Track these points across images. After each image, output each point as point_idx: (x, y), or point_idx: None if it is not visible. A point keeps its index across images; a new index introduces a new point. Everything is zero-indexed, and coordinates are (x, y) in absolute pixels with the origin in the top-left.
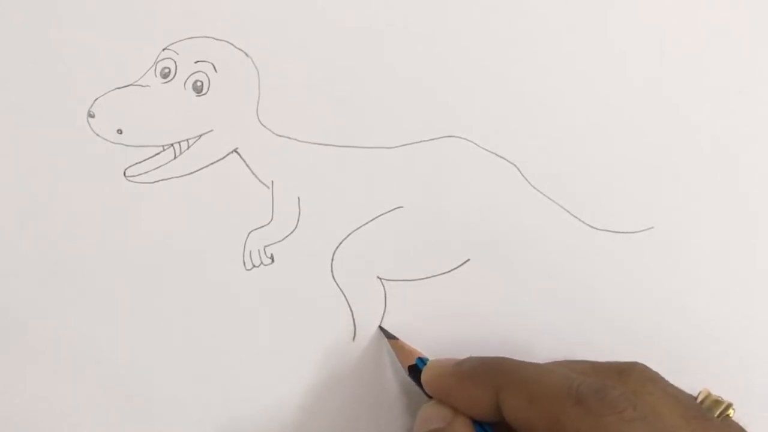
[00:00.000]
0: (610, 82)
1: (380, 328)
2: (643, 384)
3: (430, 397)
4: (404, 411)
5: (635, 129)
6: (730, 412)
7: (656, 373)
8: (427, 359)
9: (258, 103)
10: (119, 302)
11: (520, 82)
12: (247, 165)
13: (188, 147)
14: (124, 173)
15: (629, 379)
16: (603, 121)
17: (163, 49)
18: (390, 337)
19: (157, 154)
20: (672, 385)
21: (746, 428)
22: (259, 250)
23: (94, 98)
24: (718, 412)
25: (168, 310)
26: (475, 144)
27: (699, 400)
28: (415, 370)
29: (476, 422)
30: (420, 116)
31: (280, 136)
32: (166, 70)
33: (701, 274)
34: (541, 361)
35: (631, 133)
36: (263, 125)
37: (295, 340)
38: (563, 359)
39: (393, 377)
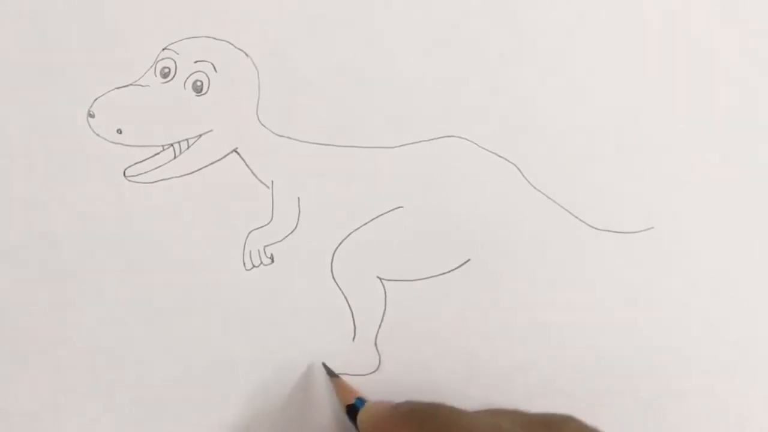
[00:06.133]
0: (610, 82)
1: (323, 364)
2: None
3: None
4: None
5: (635, 129)
6: None
7: (589, 429)
8: (366, 400)
9: (258, 103)
10: (119, 302)
11: (520, 83)
12: (247, 165)
13: (188, 147)
14: (124, 173)
15: None
16: (603, 121)
17: (163, 49)
18: (331, 374)
19: (157, 154)
20: None
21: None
22: (259, 250)
23: (94, 98)
24: None
25: (168, 309)
26: (475, 144)
27: None
28: (353, 409)
29: None
30: (420, 116)
31: (280, 136)
32: (166, 70)
33: (701, 274)
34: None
35: (631, 134)
36: (263, 125)
37: (295, 340)
38: (495, 406)
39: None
